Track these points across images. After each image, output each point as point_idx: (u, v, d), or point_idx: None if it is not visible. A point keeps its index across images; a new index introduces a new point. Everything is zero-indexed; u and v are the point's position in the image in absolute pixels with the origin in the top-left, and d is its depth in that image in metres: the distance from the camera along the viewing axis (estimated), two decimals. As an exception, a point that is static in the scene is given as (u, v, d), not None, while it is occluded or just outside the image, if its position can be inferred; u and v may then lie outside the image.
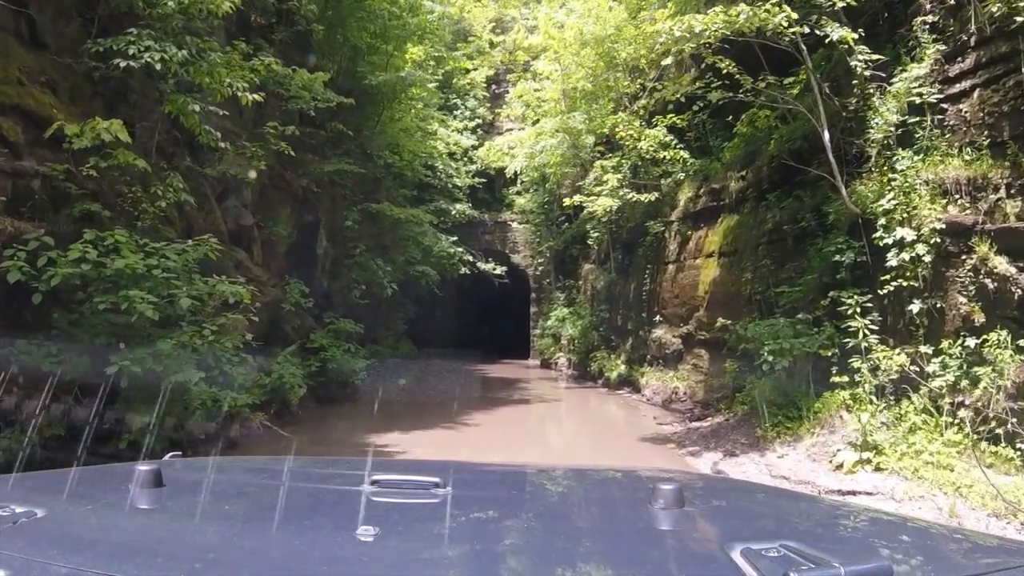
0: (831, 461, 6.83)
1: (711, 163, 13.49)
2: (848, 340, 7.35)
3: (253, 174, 9.18)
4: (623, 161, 15.05)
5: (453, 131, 24.34)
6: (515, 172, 22.63)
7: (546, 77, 19.32)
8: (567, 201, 16.67)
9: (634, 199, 14.39)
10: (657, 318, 14.32)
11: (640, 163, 15.06)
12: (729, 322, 8.78)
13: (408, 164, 17.50)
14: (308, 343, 12.43)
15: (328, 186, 14.02)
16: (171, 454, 2.07)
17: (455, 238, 19.80)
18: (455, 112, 25.68)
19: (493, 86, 27.38)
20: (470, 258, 20.10)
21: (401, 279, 17.05)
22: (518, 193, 24.18)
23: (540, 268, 23.30)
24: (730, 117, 12.14)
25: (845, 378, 7.14)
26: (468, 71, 26.79)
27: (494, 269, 21.24)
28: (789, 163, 8.78)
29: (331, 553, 1.18)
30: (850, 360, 7.30)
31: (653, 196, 14.26)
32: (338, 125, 13.29)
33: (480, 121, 26.06)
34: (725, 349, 10.87)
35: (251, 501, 1.69)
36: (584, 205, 15.83)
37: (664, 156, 13.95)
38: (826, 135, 7.99)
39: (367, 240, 15.43)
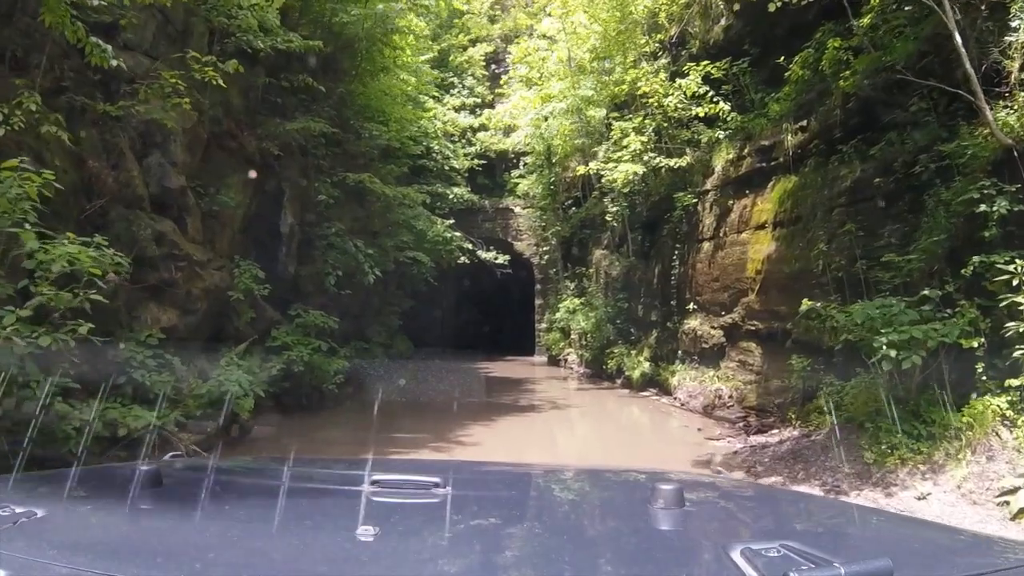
0: (1005, 504, 4.57)
1: (754, 119, 11.24)
2: (1008, 325, 5.09)
3: (175, 116, 6.89)
4: (647, 122, 12.79)
5: (449, 108, 22.36)
6: (518, 149, 20.67)
7: (551, 38, 17.19)
8: (580, 169, 14.40)
9: (661, 164, 12.17)
10: (690, 306, 12.05)
11: (665, 125, 12.83)
12: (819, 304, 6.48)
13: (396, 134, 15.21)
14: (270, 341, 10.20)
15: (297, 154, 11.73)
16: (171, 454, 2.11)
17: (452, 221, 17.67)
18: (452, 91, 23.97)
19: (493, 66, 25.70)
20: (469, 246, 18.11)
21: (391, 267, 14.88)
22: (521, 176, 22.15)
23: (546, 256, 21.33)
24: (783, 57, 9.92)
25: (1020, 380, 4.87)
26: (466, 48, 24.99)
27: (495, 258, 19.46)
28: (904, 77, 6.45)
29: (331, 553, 1.16)
30: (1013, 352, 5.04)
31: (684, 161, 12.00)
32: (307, 78, 10.98)
33: (479, 100, 24.22)
34: (789, 342, 8.64)
35: (251, 501, 1.64)
36: (601, 174, 13.54)
37: (697, 113, 11.76)
38: (958, 38, 5.70)
39: (350, 223, 13.22)
